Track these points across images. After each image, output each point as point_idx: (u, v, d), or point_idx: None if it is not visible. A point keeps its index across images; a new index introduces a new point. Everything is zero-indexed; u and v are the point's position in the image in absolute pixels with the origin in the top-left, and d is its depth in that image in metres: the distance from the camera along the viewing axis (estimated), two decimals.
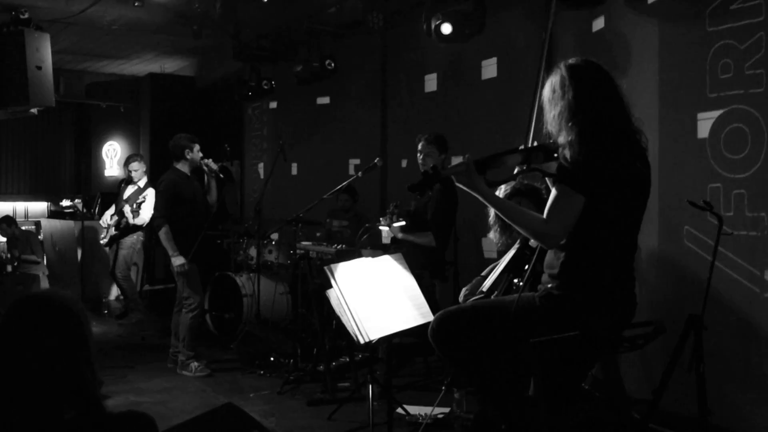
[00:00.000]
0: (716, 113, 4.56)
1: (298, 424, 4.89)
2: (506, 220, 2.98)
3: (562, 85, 2.99)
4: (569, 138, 2.90)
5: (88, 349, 1.82)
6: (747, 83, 4.37)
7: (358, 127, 8.56)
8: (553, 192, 2.91)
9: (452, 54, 7.14)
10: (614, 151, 2.90)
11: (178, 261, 6.20)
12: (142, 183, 8.67)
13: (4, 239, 10.64)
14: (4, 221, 10.43)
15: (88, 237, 9.65)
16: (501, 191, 4.37)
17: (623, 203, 2.96)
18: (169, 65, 12.18)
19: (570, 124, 2.92)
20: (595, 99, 2.95)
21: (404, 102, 7.90)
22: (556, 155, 2.92)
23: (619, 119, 2.98)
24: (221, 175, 6.76)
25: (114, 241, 8.60)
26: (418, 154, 5.85)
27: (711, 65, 4.57)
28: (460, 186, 2.97)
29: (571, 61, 3.06)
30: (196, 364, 6.26)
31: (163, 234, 6.21)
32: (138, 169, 8.64)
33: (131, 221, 8.43)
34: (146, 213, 8.40)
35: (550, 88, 3.06)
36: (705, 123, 4.62)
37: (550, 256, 3.07)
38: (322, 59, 8.21)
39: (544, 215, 2.90)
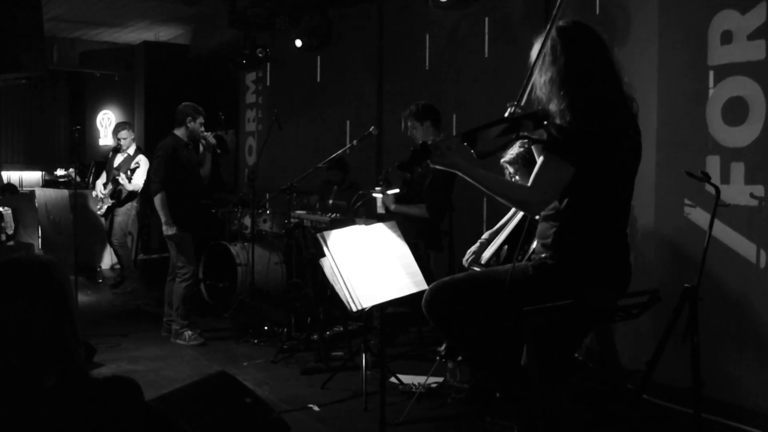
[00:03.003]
0: (716, 83, 4.51)
1: (291, 392, 4.89)
2: (488, 192, 2.92)
3: (554, 50, 2.90)
4: (561, 106, 2.83)
5: (70, 314, 1.76)
6: (748, 52, 4.32)
7: (354, 96, 8.48)
8: (541, 160, 2.85)
9: (450, 23, 7.05)
10: (607, 119, 2.85)
11: (170, 230, 6.17)
12: (131, 150, 8.74)
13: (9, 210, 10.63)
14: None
15: (82, 206, 9.59)
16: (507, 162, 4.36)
17: (616, 172, 2.91)
18: (164, 33, 12.05)
19: (562, 92, 2.85)
20: (587, 64, 2.88)
21: (401, 71, 7.82)
22: (545, 122, 2.85)
23: (611, 85, 2.92)
24: (218, 151, 6.71)
25: (111, 210, 8.63)
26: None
27: (711, 34, 4.51)
28: (435, 166, 2.93)
29: (561, 23, 2.95)
30: (189, 332, 6.25)
31: (158, 200, 6.16)
32: (126, 137, 8.75)
33: (127, 188, 8.45)
34: (139, 178, 8.44)
35: (539, 51, 2.97)
36: (704, 93, 4.57)
37: (543, 225, 3.03)
38: (319, 27, 8.11)
39: (529, 183, 2.86)
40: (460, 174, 2.90)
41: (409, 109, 5.91)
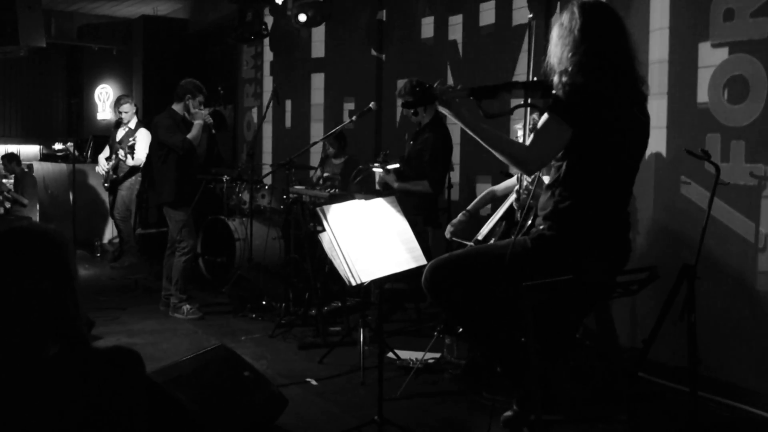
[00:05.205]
0: (718, 61, 4.48)
1: (289, 366, 4.90)
2: (487, 146, 2.94)
3: (571, 20, 2.96)
4: (568, 66, 2.86)
5: (71, 283, 1.76)
6: (750, 30, 4.29)
7: (354, 71, 8.44)
8: (543, 120, 2.88)
9: None
10: (611, 87, 2.86)
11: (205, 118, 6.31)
12: (132, 124, 8.65)
13: (11, 180, 10.63)
14: (6, 158, 10.44)
15: (80, 180, 9.57)
16: (519, 128, 4.36)
17: (617, 145, 2.91)
18: (162, 7, 11.96)
19: (571, 54, 2.88)
20: (600, 35, 2.91)
21: (400, 46, 7.77)
22: (554, 91, 2.88)
23: (622, 60, 2.93)
24: (213, 131, 6.69)
25: (115, 185, 8.59)
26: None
27: (714, 11, 4.48)
28: (441, 109, 2.99)
29: (584, 0, 3.02)
30: (188, 306, 6.26)
31: (192, 136, 6.22)
32: (128, 110, 8.65)
33: (127, 163, 8.39)
34: (141, 153, 8.38)
35: (558, 24, 3.02)
36: (706, 71, 4.55)
37: (544, 197, 3.04)
38: (320, 2, 8.05)
39: (529, 142, 2.89)
40: (461, 125, 2.94)
41: (398, 94, 5.85)
